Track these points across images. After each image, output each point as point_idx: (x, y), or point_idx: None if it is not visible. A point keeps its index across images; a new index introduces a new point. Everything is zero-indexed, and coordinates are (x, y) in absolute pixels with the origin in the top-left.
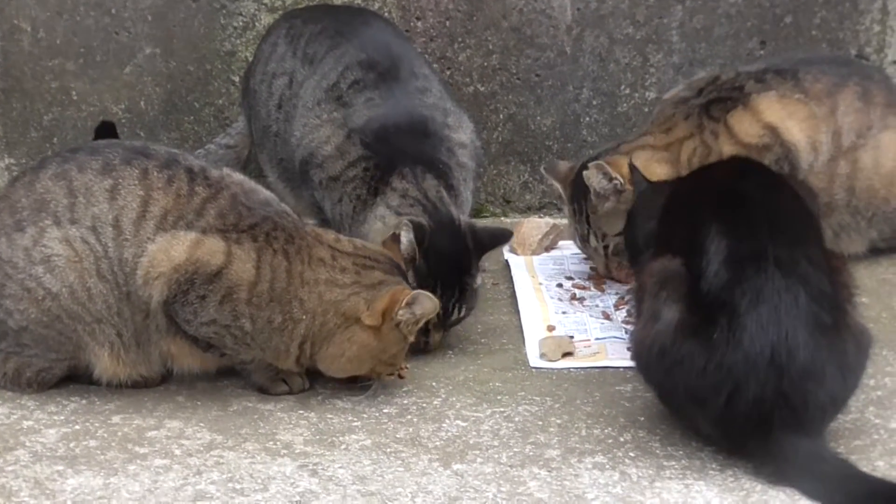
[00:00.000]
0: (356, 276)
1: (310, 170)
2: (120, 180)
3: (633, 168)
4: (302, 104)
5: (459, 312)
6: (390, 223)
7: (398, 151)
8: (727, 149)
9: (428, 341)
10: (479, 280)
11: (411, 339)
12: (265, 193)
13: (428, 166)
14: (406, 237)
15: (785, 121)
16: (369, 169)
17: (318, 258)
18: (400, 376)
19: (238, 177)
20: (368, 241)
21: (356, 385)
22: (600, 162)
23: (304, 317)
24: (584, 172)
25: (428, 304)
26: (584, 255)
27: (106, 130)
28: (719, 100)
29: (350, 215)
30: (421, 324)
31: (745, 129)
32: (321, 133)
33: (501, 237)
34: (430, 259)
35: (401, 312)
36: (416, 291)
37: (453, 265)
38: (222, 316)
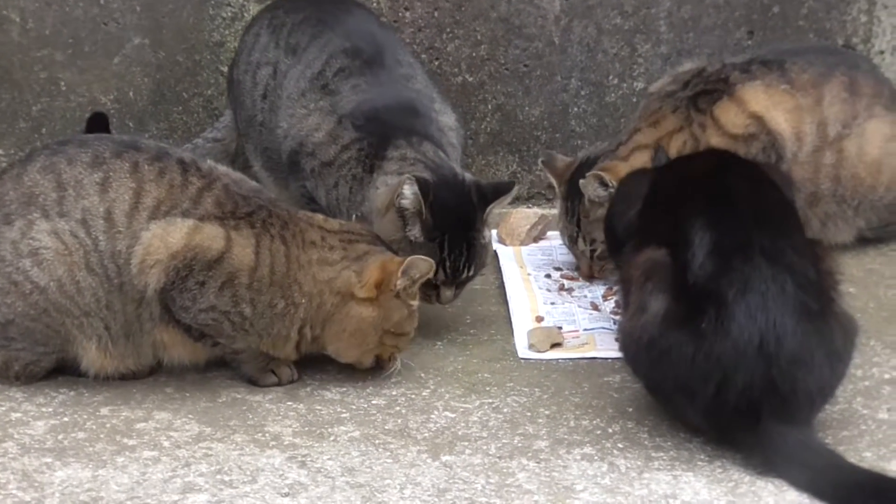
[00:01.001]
0: (343, 252)
1: (300, 159)
2: (111, 173)
3: (658, 148)
4: (286, 95)
5: (468, 271)
6: (392, 182)
7: (391, 128)
8: (714, 140)
9: (438, 295)
10: (486, 235)
11: (414, 303)
12: (253, 182)
13: (423, 137)
14: (410, 189)
15: (770, 110)
16: (363, 149)
17: (310, 241)
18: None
19: (223, 168)
20: (373, 215)
21: (381, 373)
22: (598, 172)
23: (302, 300)
24: (581, 181)
25: (423, 265)
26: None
27: (98, 121)
28: (705, 92)
29: (347, 197)
30: (418, 286)
31: (730, 119)
32: (310, 122)
33: (505, 188)
34: (435, 214)
35: (399, 282)
36: (410, 258)
37: (459, 220)
38: (222, 301)
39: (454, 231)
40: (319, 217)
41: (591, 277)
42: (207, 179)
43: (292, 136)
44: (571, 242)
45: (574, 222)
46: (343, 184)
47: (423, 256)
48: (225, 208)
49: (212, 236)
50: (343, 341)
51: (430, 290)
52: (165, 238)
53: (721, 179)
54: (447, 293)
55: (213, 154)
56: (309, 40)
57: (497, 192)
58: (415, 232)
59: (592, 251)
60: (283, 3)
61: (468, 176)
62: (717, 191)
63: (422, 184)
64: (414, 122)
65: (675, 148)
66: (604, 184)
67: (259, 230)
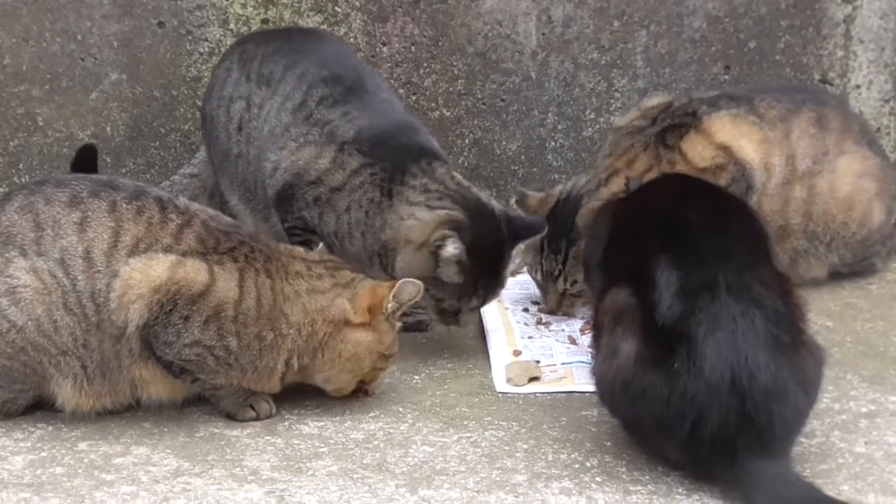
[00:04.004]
0: (332, 279)
1: (296, 192)
2: (88, 213)
3: (628, 181)
4: (268, 129)
5: (493, 298)
6: (424, 217)
7: (400, 151)
8: None
9: (459, 320)
10: (509, 268)
11: (398, 325)
12: (228, 218)
13: (432, 157)
14: (454, 246)
15: (738, 139)
16: (377, 173)
17: (295, 272)
18: (367, 392)
19: (197, 205)
20: (396, 243)
21: (360, 404)
22: None
23: (290, 331)
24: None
25: (411, 289)
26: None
27: (87, 154)
28: (672, 127)
29: (363, 221)
30: (406, 308)
31: (698, 152)
32: (306, 153)
33: (536, 227)
34: (473, 258)
35: (390, 305)
36: (400, 282)
37: (492, 257)
38: (207, 336)
39: (488, 268)
40: (299, 249)
41: (553, 312)
42: (186, 216)
43: (284, 168)
44: (546, 279)
45: (558, 261)
46: (356, 208)
47: (412, 280)
48: (207, 244)
49: (195, 269)
50: (337, 367)
51: (449, 317)
52: (147, 272)
53: (682, 211)
54: (468, 318)
55: (190, 190)
56: (283, 71)
57: (528, 229)
58: (450, 273)
59: (566, 290)
60: (252, 36)
61: (497, 206)
62: (678, 225)
63: (462, 234)
64: (419, 139)
65: None
66: None
67: (242, 264)
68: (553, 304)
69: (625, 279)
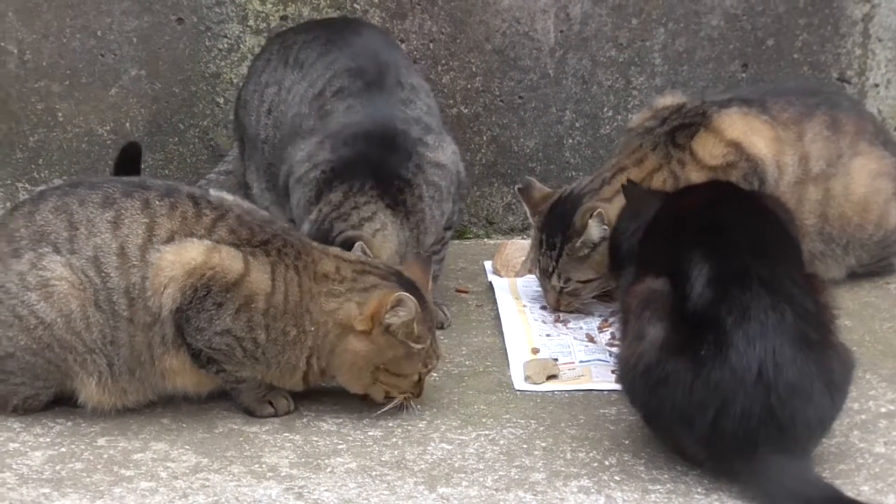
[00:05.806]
0: (352, 283)
1: (290, 182)
2: (122, 212)
3: (629, 183)
4: (291, 115)
5: None
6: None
7: (356, 160)
8: (694, 175)
9: None
10: None
11: (416, 345)
12: (264, 212)
13: (377, 181)
14: None
15: (749, 136)
16: (326, 172)
17: (322, 273)
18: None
19: (232, 198)
20: None
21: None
22: (601, 211)
23: (311, 329)
24: (590, 221)
25: (409, 304)
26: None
27: (131, 151)
28: (683, 126)
29: (301, 218)
30: (415, 326)
31: (708, 150)
32: (300, 145)
33: None
34: None
35: (388, 316)
36: (399, 293)
37: None
38: (237, 326)
39: None
40: (334, 247)
41: (556, 309)
42: (219, 211)
43: (289, 162)
44: (544, 275)
45: (552, 257)
46: (303, 202)
47: (407, 295)
48: (240, 236)
49: (231, 257)
50: (344, 374)
51: None
52: (181, 254)
53: (720, 211)
54: None
55: (226, 187)
56: (317, 57)
57: None
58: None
59: (563, 288)
60: (295, 28)
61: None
62: (715, 222)
63: None
64: (385, 157)
65: (657, 187)
66: (603, 224)
67: (274, 258)
68: (552, 301)
69: (659, 271)
